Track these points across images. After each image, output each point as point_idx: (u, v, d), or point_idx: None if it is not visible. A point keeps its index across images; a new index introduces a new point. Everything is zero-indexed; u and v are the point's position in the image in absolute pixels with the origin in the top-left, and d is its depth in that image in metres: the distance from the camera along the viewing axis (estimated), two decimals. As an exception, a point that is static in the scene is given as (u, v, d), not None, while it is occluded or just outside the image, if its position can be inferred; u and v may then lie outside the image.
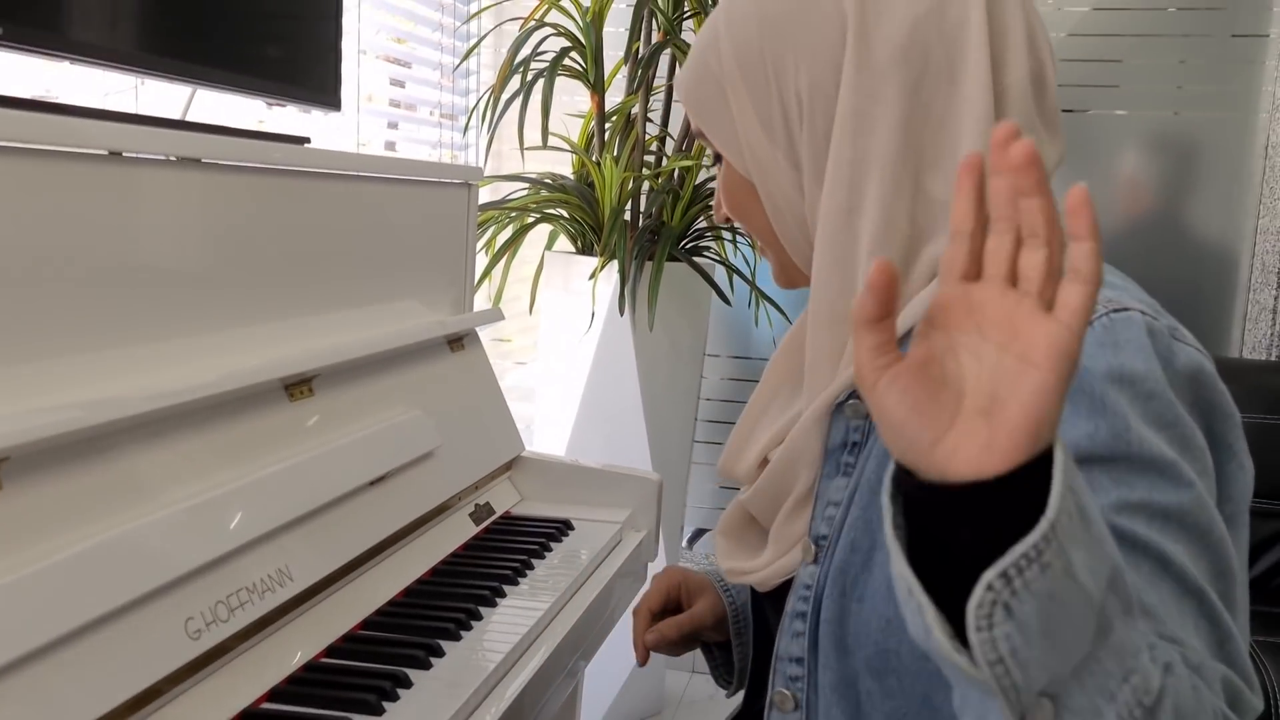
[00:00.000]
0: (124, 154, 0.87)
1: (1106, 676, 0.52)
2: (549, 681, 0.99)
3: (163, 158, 0.91)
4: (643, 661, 1.05)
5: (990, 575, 0.48)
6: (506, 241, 2.19)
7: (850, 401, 0.81)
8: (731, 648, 1.07)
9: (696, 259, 2.23)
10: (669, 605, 1.08)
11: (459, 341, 1.39)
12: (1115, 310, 0.71)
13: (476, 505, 1.30)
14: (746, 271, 2.35)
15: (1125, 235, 2.53)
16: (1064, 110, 2.53)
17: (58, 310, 0.81)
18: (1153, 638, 0.57)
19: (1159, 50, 2.47)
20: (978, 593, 0.48)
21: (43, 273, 0.80)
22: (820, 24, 0.80)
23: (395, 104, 2.50)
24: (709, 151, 0.91)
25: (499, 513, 1.34)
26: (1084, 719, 0.52)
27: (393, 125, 2.45)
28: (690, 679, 2.65)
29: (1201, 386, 0.72)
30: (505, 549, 1.22)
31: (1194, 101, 2.48)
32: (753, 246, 1.03)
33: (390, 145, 2.45)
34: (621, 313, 2.12)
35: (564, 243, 2.36)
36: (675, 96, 0.85)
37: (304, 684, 0.87)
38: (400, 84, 2.48)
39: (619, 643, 1.31)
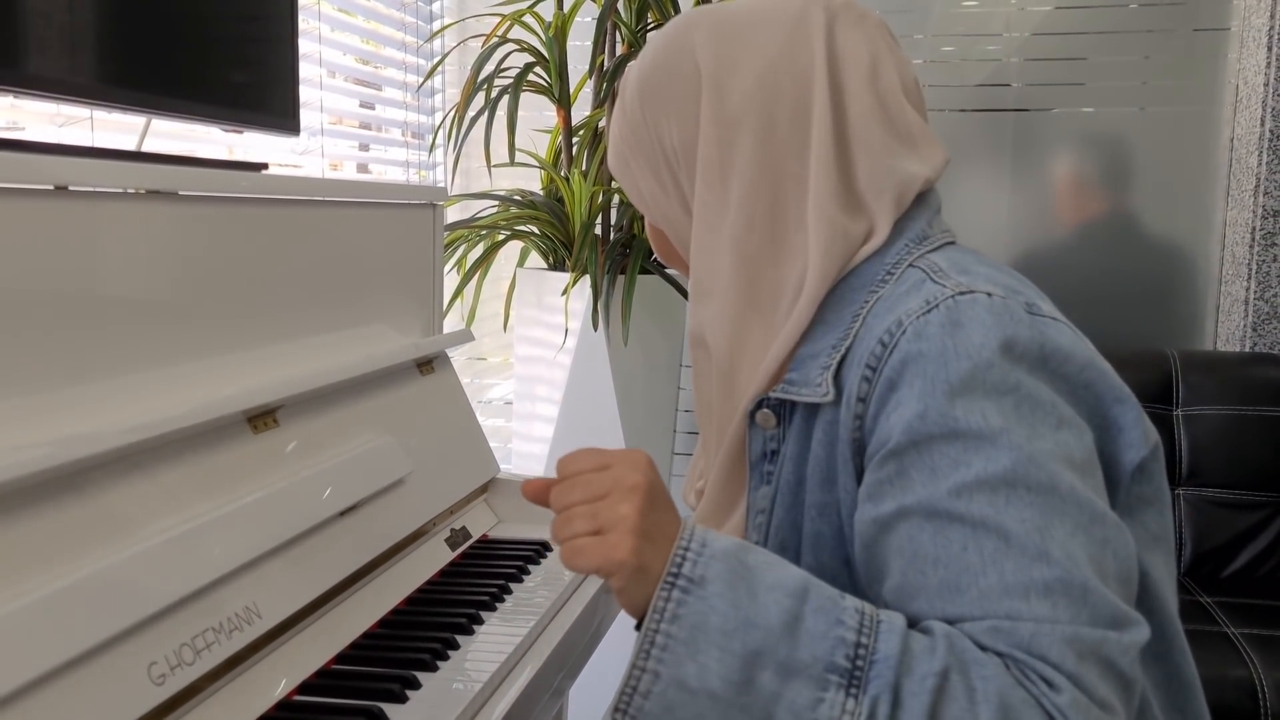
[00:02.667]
0: (81, 187, 0.85)
1: None
2: (534, 703, 0.98)
3: (119, 190, 0.90)
4: None
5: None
6: (477, 260, 2.17)
7: (760, 411, 0.86)
8: None
9: (669, 270, 2.22)
10: None
11: (429, 364, 1.38)
12: (960, 294, 0.76)
13: (452, 530, 1.28)
14: (720, 281, 2.33)
15: (1095, 232, 2.54)
16: (1030, 110, 2.54)
17: (21, 347, 0.79)
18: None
19: (1123, 46, 2.48)
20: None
21: (5, 310, 0.78)
22: (681, 84, 0.89)
23: (366, 126, 2.48)
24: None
25: (476, 536, 1.32)
26: None
27: (364, 147, 2.43)
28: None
29: (1050, 357, 0.75)
30: (483, 574, 1.20)
31: (1159, 96, 2.49)
32: None
33: (363, 167, 2.44)
34: (595, 328, 2.10)
35: (536, 259, 2.35)
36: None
37: (276, 724, 0.85)
38: (370, 106, 2.46)
39: (606, 657, 1.30)
